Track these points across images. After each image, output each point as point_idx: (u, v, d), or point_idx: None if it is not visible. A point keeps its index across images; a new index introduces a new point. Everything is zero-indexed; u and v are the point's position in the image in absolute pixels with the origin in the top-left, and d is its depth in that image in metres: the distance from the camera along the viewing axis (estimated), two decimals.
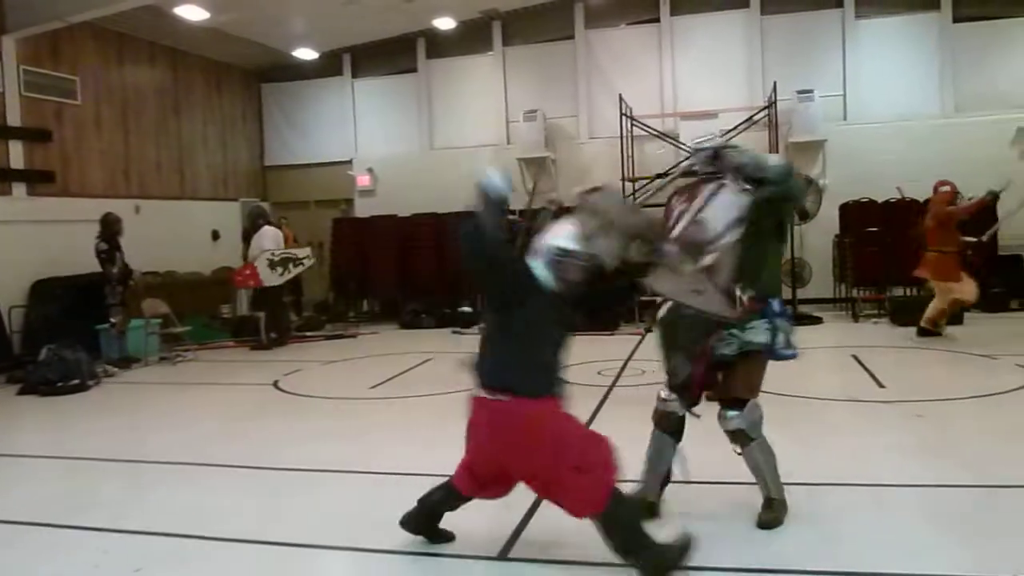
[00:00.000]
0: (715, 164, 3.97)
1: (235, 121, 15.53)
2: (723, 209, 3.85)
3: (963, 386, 7.21)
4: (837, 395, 7.24)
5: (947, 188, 9.80)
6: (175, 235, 13.14)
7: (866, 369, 8.24)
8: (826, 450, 5.50)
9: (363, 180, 15.25)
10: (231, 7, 12.11)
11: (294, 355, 10.84)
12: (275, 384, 8.70)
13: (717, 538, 3.83)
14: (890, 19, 13.36)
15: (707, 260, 3.75)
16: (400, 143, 15.24)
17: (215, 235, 14.38)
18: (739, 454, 4.12)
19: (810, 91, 12.78)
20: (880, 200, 12.50)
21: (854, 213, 12.58)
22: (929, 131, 12.85)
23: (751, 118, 12.75)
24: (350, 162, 15.43)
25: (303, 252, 12.11)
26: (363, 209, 15.15)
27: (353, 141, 15.52)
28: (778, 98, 12.54)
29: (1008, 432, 5.77)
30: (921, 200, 12.28)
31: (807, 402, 6.82)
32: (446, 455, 5.09)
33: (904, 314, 11.21)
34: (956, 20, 13.11)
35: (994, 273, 11.75)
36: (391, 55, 15.33)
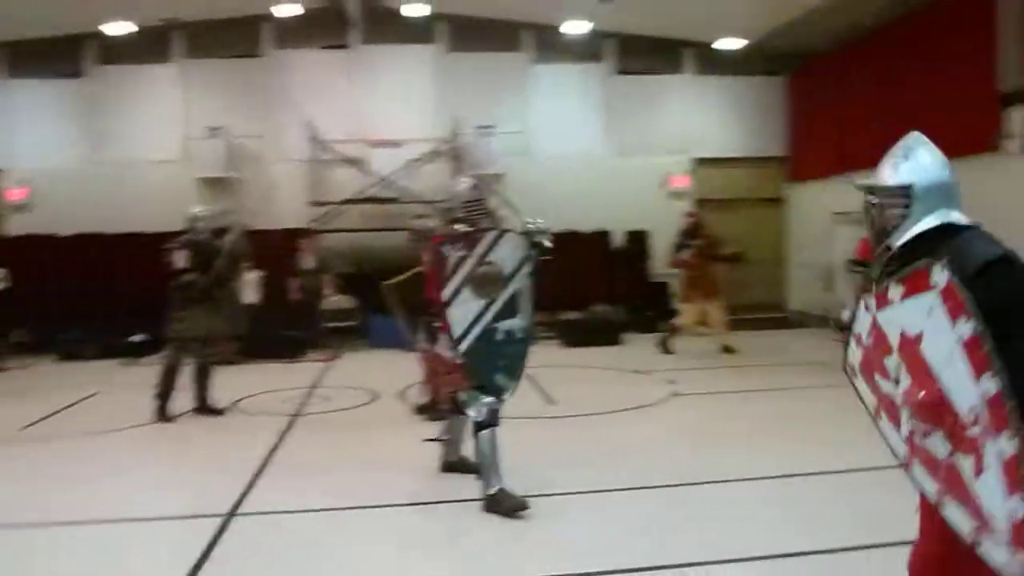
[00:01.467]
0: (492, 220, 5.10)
1: None
2: (510, 252, 4.84)
3: (620, 398, 8.01)
4: (513, 412, 7.66)
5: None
6: None
7: (539, 387, 8.82)
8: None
9: (17, 194, 13.58)
10: None
11: None
12: None
13: None
14: (563, 66, 14.52)
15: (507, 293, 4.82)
16: (64, 155, 13.75)
17: None
18: None
19: (491, 126, 13.49)
20: (553, 230, 13.45)
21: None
22: (596, 169, 14.12)
23: (435, 150, 13.23)
24: (1, 172, 13.68)
25: None
26: (17, 226, 13.47)
27: (7, 149, 13.77)
28: (461, 131, 13.12)
29: (654, 438, 6.51)
30: (588, 232, 13.51)
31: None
32: (122, 496, 4.73)
33: (573, 335, 12.20)
34: (618, 72, 14.59)
35: (646, 298, 13.14)
36: (56, 56, 13.86)
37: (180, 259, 7.48)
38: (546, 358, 11.10)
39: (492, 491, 4.77)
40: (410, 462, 5.75)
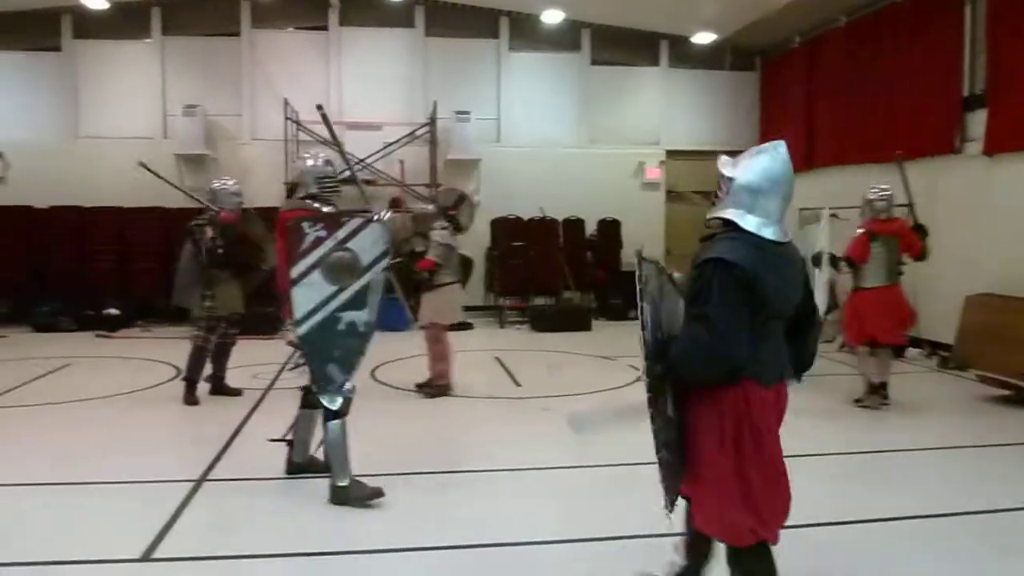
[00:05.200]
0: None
1: None
2: (370, 244, 4.56)
3: (586, 383, 8.24)
4: (480, 392, 7.91)
5: None
6: None
7: (506, 369, 9.06)
8: (471, 439, 6.26)
9: None
10: None
11: None
12: None
13: None
14: (538, 55, 14.69)
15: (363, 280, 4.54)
16: (39, 128, 13.68)
17: None
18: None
19: (467, 112, 13.65)
20: (526, 217, 13.70)
21: (502, 228, 13.65)
22: (568, 158, 14.32)
23: (413, 133, 13.38)
24: None
25: None
26: None
27: None
28: (438, 116, 13.28)
29: None
30: (560, 220, 13.74)
31: (454, 399, 7.54)
32: (93, 462, 4.90)
33: (543, 321, 12.44)
34: (594, 62, 14.78)
35: (615, 286, 13.39)
36: (32, 29, 13.80)
37: (208, 235, 7.15)
38: (516, 342, 11.38)
39: (343, 483, 4.63)
40: (371, 434, 5.80)
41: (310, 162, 5.08)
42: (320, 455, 4.99)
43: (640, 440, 2.88)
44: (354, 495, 4.61)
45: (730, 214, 2.87)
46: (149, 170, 7.41)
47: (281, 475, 5.14)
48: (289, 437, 5.19)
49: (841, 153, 12.51)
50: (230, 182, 7.61)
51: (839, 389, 7.66)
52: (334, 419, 4.63)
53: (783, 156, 2.88)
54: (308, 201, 4.98)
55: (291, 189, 5.36)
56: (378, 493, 4.63)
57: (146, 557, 3.93)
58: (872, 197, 7.25)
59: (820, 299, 10.29)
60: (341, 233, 4.52)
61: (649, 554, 3.58)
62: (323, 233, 4.49)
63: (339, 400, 4.62)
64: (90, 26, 13.74)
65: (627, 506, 4.43)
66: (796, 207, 13.33)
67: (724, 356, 2.70)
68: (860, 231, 7.28)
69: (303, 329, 4.50)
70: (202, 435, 6.15)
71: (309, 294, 4.49)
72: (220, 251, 7.15)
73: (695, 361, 2.73)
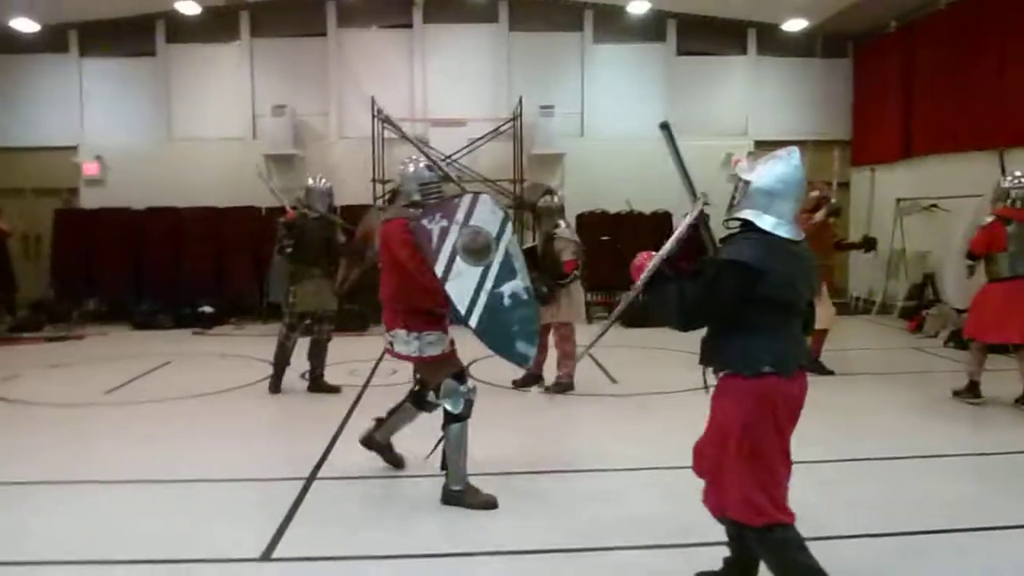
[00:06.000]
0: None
1: None
2: (488, 215, 4.47)
3: (678, 381, 8.03)
4: (577, 390, 7.79)
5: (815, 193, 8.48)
6: None
7: (599, 366, 8.92)
8: (578, 437, 6.19)
9: (91, 168, 14.01)
10: None
11: (10, 359, 9.77)
12: None
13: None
14: (623, 46, 14.48)
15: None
16: (135, 131, 14.15)
17: None
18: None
19: (551, 107, 13.54)
20: (611, 211, 13.51)
21: (588, 223, 13.48)
22: (654, 151, 13.73)
23: (497, 129, 13.32)
24: (75, 148, 14.12)
25: None
26: (90, 200, 13.93)
27: (80, 126, 14.21)
28: (522, 111, 13.20)
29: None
30: (647, 213, 13.50)
31: (554, 397, 7.52)
32: (202, 458, 4.95)
33: (632, 316, 12.21)
34: (679, 53, 14.50)
35: None
36: (127, 36, 14.22)
37: (290, 235, 7.24)
38: (605, 337, 11.18)
39: (457, 487, 4.61)
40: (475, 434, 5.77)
41: (412, 168, 4.92)
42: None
43: None
44: (467, 501, 4.57)
45: (747, 214, 3.13)
46: (264, 180, 7.59)
47: (389, 473, 5.14)
48: (382, 416, 5.20)
49: (941, 141, 11.99)
50: (322, 181, 7.66)
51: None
52: (455, 422, 4.58)
53: (796, 162, 3.16)
54: (411, 210, 4.79)
55: (391, 197, 5.23)
56: (491, 503, 4.56)
57: (265, 557, 3.94)
58: (1008, 185, 6.91)
59: (952, 293, 9.86)
60: (460, 215, 4.42)
61: None
62: (445, 222, 4.40)
63: (461, 403, 4.59)
64: (182, 31, 14.11)
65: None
66: (894, 197, 12.88)
67: (682, 324, 3.25)
68: (990, 219, 6.91)
69: (474, 321, 4.35)
70: (307, 432, 6.18)
71: (463, 284, 4.36)
72: (288, 250, 7.25)
73: (666, 310, 3.24)
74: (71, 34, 14.09)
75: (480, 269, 4.37)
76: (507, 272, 4.41)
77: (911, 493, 4.76)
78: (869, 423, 6.44)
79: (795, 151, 3.20)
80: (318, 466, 5.34)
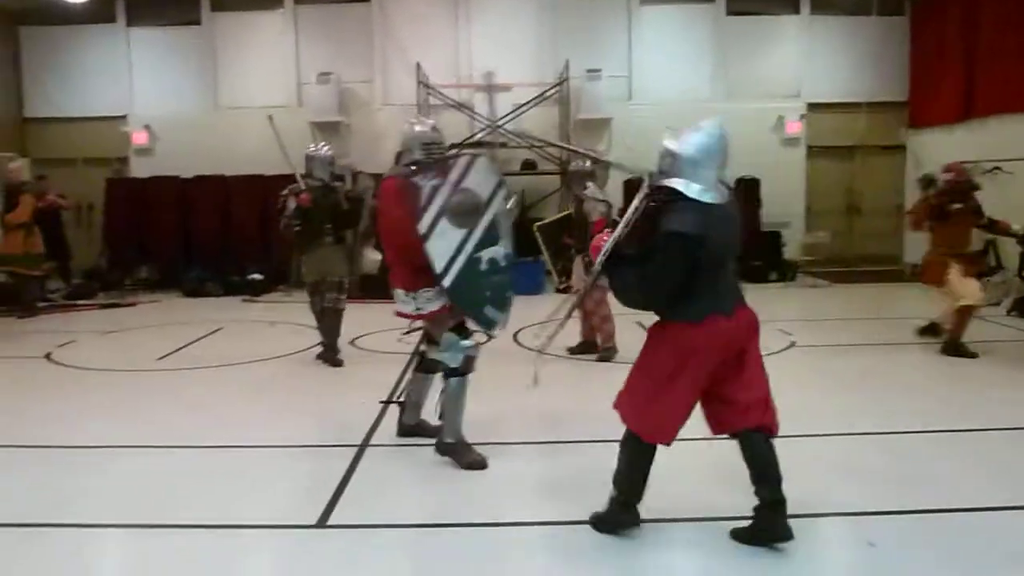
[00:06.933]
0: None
1: None
2: (483, 177, 4.57)
3: None
4: (625, 358, 7.66)
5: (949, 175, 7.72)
6: None
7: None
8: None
9: (140, 138, 14.15)
10: None
11: (65, 325, 9.96)
12: (48, 356, 7.95)
13: None
14: (671, 7, 14.15)
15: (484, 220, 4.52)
16: (182, 100, 14.26)
17: None
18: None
19: (598, 70, 13.31)
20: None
21: (635, 189, 13.26)
22: (703, 114, 13.57)
23: (543, 93, 13.13)
24: (124, 118, 14.26)
25: None
26: (140, 169, 14.10)
27: (128, 95, 14.34)
28: (569, 75, 12.98)
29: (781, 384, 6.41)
30: None
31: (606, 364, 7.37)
32: (254, 425, 4.94)
33: None
34: (729, 13, 14.13)
35: (755, 248, 12.85)
36: (172, 5, 14.28)
37: (293, 204, 7.15)
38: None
39: (449, 439, 4.67)
40: (521, 400, 5.55)
41: (417, 127, 4.82)
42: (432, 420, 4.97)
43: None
44: (461, 458, 4.63)
45: (676, 183, 3.37)
46: (273, 128, 7.53)
47: None
48: (401, 399, 5.29)
49: (1006, 101, 11.53)
50: (324, 149, 7.48)
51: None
52: (454, 376, 4.64)
53: (718, 132, 3.42)
54: (413, 168, 4.69)
55: (398, 156, 5.16)
56: (478, 464, 4.60)
57: (321, 523, 3.93)
58: None
59: None
60: (454, 175, 4.48)
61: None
62: (437, 181, 4.43)
63: (460, 357, 4.63)
64: None
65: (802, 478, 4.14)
66: (954, 158, 12.43)
67: (644, 303, 3.57)
68: None
69: (448, 280, 4.41)
70: (357, 398, 6.16)
71: (443, 244, 4.40)
72: (296, 229, 7.19)
73: (627, 294, 3.55)
74: (118, 4, 14.20)
75: (464, 232, 4.45)
76: (491, 238, 4.53)
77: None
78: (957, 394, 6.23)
79: (717, 120, 3.45)
80: (370, 433, 5.32)
